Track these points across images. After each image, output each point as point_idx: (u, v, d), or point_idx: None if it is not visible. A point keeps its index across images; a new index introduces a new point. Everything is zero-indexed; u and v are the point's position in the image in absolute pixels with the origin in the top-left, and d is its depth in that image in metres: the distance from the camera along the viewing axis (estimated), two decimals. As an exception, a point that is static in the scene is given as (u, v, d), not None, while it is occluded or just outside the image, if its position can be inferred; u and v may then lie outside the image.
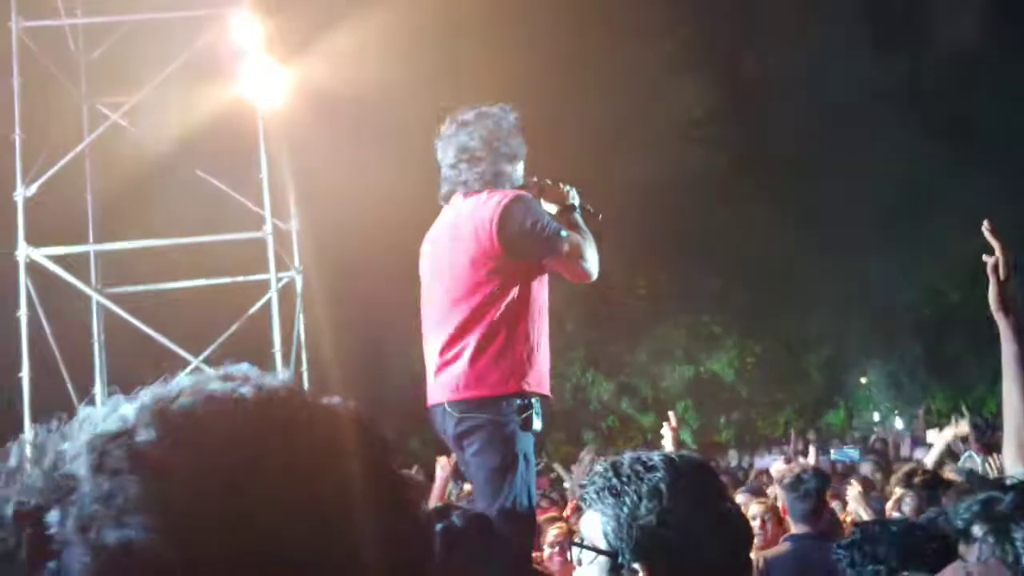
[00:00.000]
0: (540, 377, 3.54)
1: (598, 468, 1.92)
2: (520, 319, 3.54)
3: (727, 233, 19.60)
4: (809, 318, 21.60)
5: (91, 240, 9.63)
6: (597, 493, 1.83)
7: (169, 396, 0.65)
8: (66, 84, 9.45)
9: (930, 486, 4.66)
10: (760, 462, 15.33)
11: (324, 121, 11.82)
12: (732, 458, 17.70)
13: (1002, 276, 2.80)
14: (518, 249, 3.52)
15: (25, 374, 8.33)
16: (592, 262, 3.63)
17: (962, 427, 7.18)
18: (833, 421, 23.91)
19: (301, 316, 9.97)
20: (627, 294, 21.62)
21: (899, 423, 22.52)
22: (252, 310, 9.18)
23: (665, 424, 4.48)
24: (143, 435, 0.61)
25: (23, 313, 8.42)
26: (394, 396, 18.88)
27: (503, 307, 3.52)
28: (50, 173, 8.73)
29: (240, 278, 9.66)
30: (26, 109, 8.62)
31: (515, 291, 3.53)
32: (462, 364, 3.51)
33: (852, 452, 12.42)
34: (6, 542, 0.58)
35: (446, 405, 3.51)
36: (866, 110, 20.32)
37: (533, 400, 3.48)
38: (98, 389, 9.38)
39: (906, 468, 5.32)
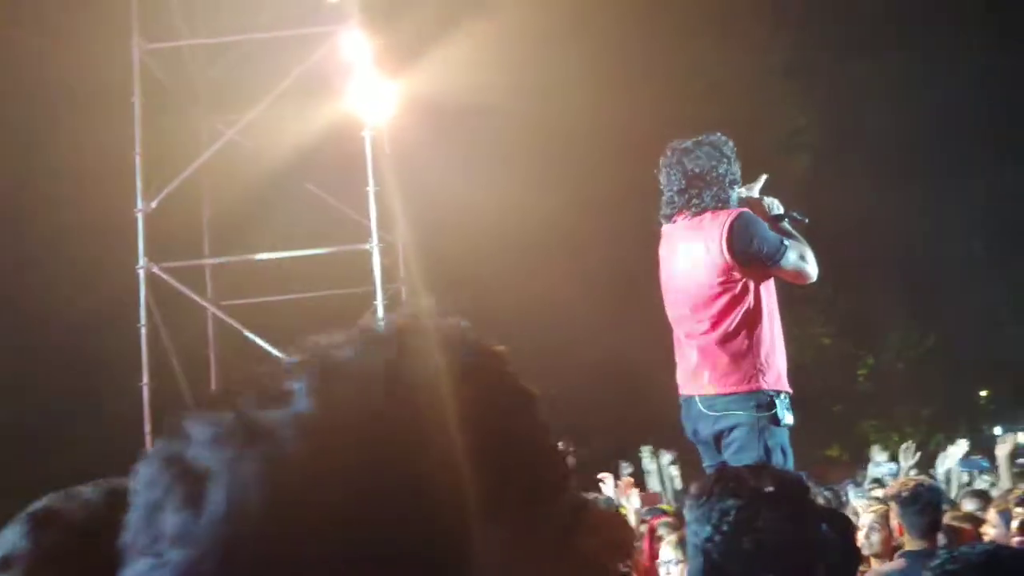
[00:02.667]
0: (779, 375, 3.92)
1: (704, 479, 1.94)
2: (755, 323, 3.92)
3: (837, 241, 19.11)
4: (927, 329, 20.91)
5: (207, 254, 9.92)
6: (688, 504, 1.86)
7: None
8: (184, 102, 9.77)
9: None
10: (875, 470, 14.82)
11: (431, 134, 11.97)
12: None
13: None
14: (747, 262, 3.92)
15: (145, 383, 8.62)
16: (812, 264, 4.01)
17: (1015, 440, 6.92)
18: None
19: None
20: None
21: (1022, 438, 21.58)
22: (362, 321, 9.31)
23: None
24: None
25: (143, 324, 8.72)
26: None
27: (739, 314, 3.92)
28: (169, 189, 9.03)
29: (348, 290, 9.82)
30: (146, 127, 8.94)
31: (748, 299, 3.93)
32: (709, 364, 3.93)
33: (982, 461, 11.62)
34: None
35: (699, 402, 3.93)
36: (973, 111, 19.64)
37: (776, 397, 3.84)
38: (213, 398, 9.64)
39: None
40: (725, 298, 3.94)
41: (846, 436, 22.01)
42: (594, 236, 16.27)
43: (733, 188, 4.06)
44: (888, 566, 4.28)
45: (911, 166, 19.94)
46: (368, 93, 9.12)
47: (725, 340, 3.92)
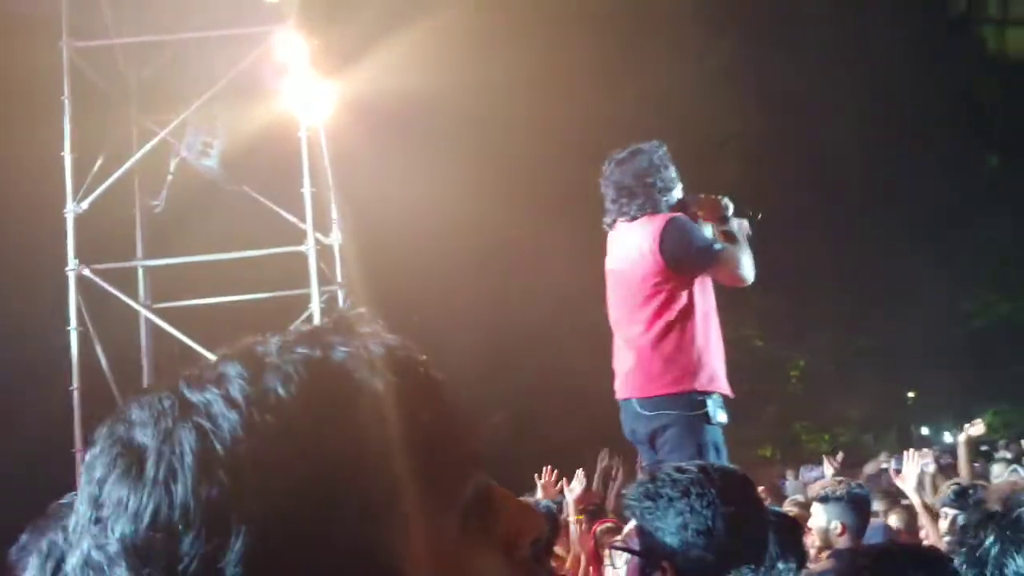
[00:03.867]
0: (712, 376, 4.02)
1: (640, 477, 1.96)
2: (687, 325, 4.02)
3: (766, 244, 19.41)
4: (857, 331, 21.34)
5: (139, 256, 9.77)
6: (636, 500, 1.87)
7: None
8: (116, 102, 9.61)
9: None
10: (807, 474, 15.12)
11: (367, 135, 11.91)
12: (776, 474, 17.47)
13: None
14: (678, 265, 4.02)
15: (76, 387, 8.46)
16: (746, 268, 4.11)
17: (978, 427, 7.10)
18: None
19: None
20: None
21: (948, 438, 22.15)
22: (294, 324, 9.21)
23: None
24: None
25: (73, 328, 8.56)
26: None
27: (670, 316, 4.02)
28: (100, 190, 8.88)
29: (283, 292, 9.75)
30: (76, 127, 8.78)
31: (680, 301, 4.03)
32: (643, 366, 4.04)
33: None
34: None
35: (635, 403, 4.03)
36: (913, 121, 20.12)
37: (709, 397, 3.95)
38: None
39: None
40: (658, 300, 4.05)
41: (779, 437, 22.40)
42: (534, 237, 16.33)
43: (665, 194, 4.19)
44: (819, 566, 4.36)
45: (844, 170, 20.35)
46: (304, 94, 9.06)
47: (658, 342, 4.03)
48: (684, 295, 4.04)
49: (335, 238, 10.22)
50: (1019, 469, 7.40)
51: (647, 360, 4.04)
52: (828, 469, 7.23)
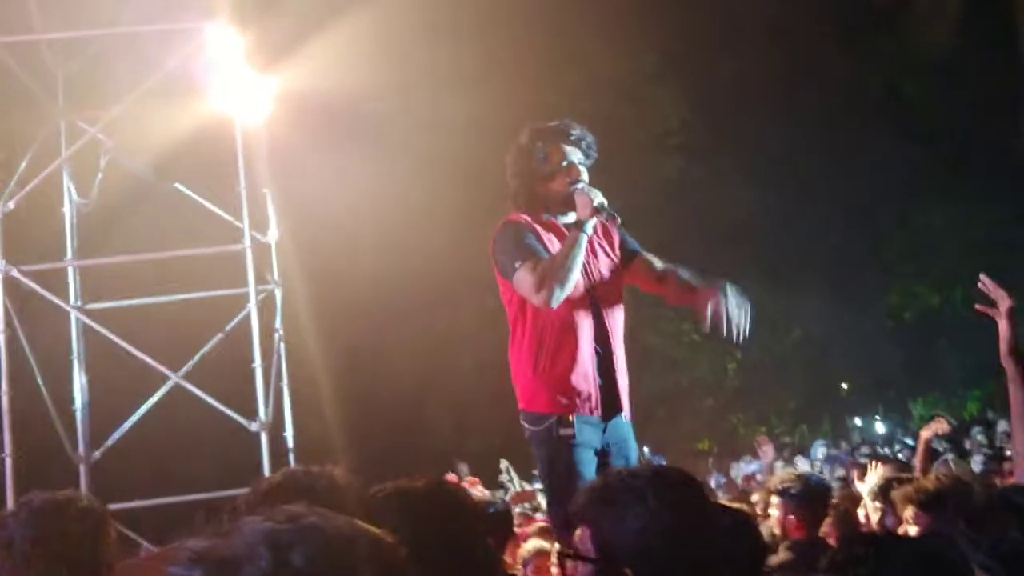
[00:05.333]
0: (563, 395, 3.64)
1: (590, 481, 1.96)
2: (532, 338, 3.71)
3: (700, 238, 19.63)
4: (792, 324, 21.68)
5: (69, 256, 9.56)
6: (588, 504, 1.87)
7: None
8: (43, 99, 9.39)
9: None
10: (746, 468, 15.38)
11: (304, 132, 11.80)
12: (711, 467, 17.72)
13: (1007, 328, 2.90)
14: (501, 274, 3.74)
15: (4, 391, 8.26)
16: (545, 294, 3.55)
17: (941, 424, 7.19)
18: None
19: (281, 330, 9.94)
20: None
21: (880, 428, 22.64)
22: (231, 324, 9.13)
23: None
24: None
25: (1, 330, 8.35)
26: (379, 408, 18.84)
27: (517, 328, 3.76)
28: (27, 189, 8.67)
29: (219, 292, 9.62)
30: (2, 124, 8.57)
31: (525, 312, 3.72)
32: (513, 379, 3.80)
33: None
34: None
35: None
36: (842, 115, 20.50)
37: (550, 418, 3.62)
38: (78, 405, 9.31)
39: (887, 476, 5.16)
40: (509, 311, 3.82)
41: (715, 429, 22.69)
42: (473, 233, 16.31)
43: (524, 183, 3.85)
44: (776, 558, 4.42)
45: (776, 163, 20.66)
46: (239, 90, 8.94)
47: (512, 355, 3.81)
48: (527, 306, 3.72)
49: (272, 236, 10.10)
50: (948, 460, 7.54)
51: (512, 373, 3.84)
52: (767, 455, 7.29)
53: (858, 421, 24.06)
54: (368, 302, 17.40)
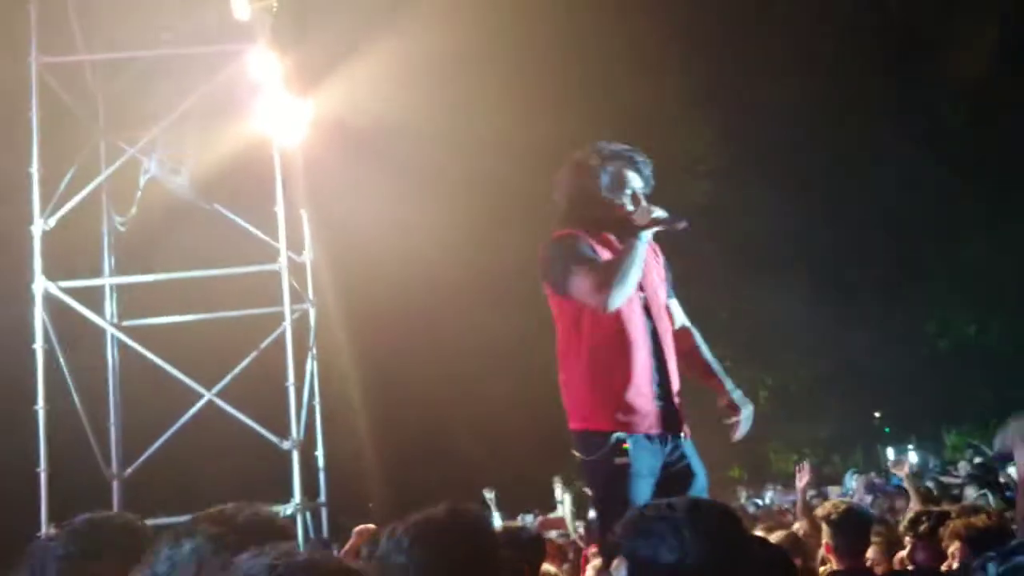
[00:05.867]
0: (621, 412, 3.51)
1: (629, 513, 1.95)
2: (585, 355, 3.57)
3: (730, 263, 19.51)
4: (826, 351, 21.47)
5: (107, 273, 9.69)
6: (624, 534, 1.87)
7: None
8: (84, 119, 9.55)
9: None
10: (783, 498, 15.16)
11: (341, 154, 11.92)
12: (741, 495, 17.51)
13: None
14: (551, 289, 3.64)
15: (40, 406, 8.36)
16: (604, 295, 3.44)
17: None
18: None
19: (314, 349, 10.00)
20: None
21: (913, 458, 22.32)
22: (265, 343, 9.20)
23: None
24: None
25: (39, 346, 8.46)
26: (408, 428, 18.86)
27: (568, 345, 3.62)
28: (68, 207, 8.81)
29: (254, 311, 9.71)
30: (44, 143, 8.71)
31: (576, 328, 3.59)
32: (565, 399, 3.64)
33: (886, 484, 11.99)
34: None
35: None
36: (883, 144, 20.35)
37: (614, 436, 3.46)
38: (112, 422, 9.41)
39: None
40: (559, 327, 3.69)
41: (747, 457, 22.47)
42: (507, 257, 16.35)
43: (576, 204, 3.75)
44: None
45: (814, 192, 20.53)
46: (277, 113, 9.06)
47: (562, 373, 3.67)
48: (578, 322, 3.61)
49: (307, 256, 10.19)
50: (988, 495, 7.42)
51: (563, 392, 3.69)
52: (801, 482, 7.23)
53: (891, 451, 23.76)
54: (400, 322, 17.47)
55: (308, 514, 8.97)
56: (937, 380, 22.02)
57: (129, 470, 9.19)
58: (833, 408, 22.62)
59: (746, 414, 3.81)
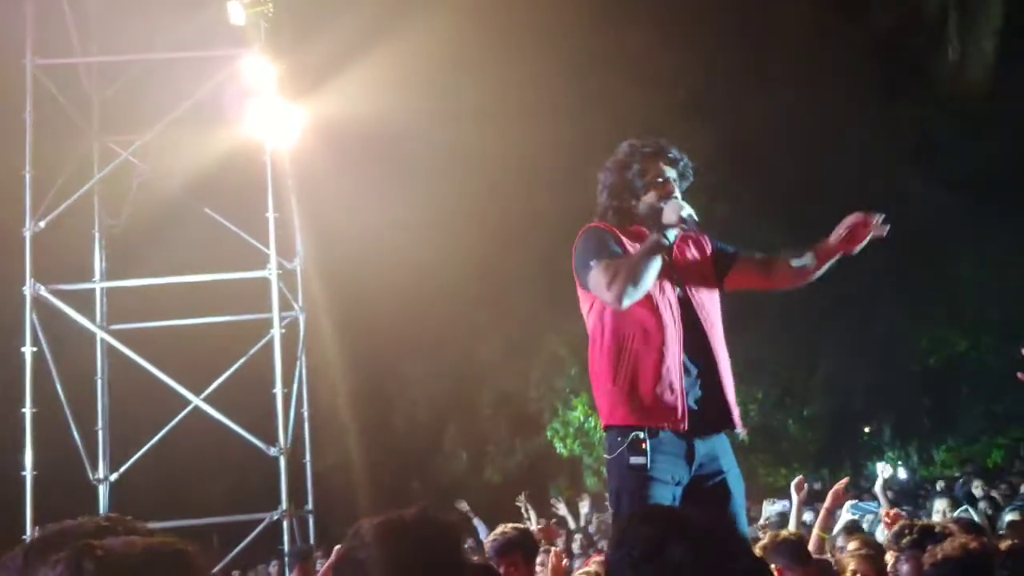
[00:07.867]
0: (643, 407, 3.40)
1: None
2: (611, 349, 3.50)
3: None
4: (812, 367, 21.51)
5: (97, 277, 9.65)
6: (615, 564, 1.88)
7: None
8: (78, 121, 9.53)
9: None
10: (770, 508, 15.11)
11: (333, 159, 11.90)
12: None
13: None
14: (580, 281, 3.57)
15: (28, 409, 8.32)
16: (616, 291, 3.37)
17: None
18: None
19: (303, 356, 9.97)
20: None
21: (902, 474, 22.35)
22: (254, 350, 9.18)
23: None
24: None
25: (28, 348, 8.43)
26: (396, 436, 18.83)
27: (596, 339, 3.54)
28: (59, 210, 8.78)
29: (244, 317, 9.67)
30: (38, 145, 8.69)
31: (602, 322, 3.52)
32: (594, 394, 3.60)
33: (871, 505, 11.61)
34: None
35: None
36: (873, 159, 20.42)
37: (633, 433, 3.35)
38: (100, 425, 9.37)
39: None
40: (588, 321, 3.62)
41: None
42: (499, 265, 16.34)
43: (616, 198, 3.71)
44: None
45: (805, 206, 20.57)
46: (270, 118, 9.05)
47: (591, 367, 3.60)
48: (603, 315, 3.55)
49: (298, 263, 10.17)
50: (970, 510, 7.41)
51: (593, 388, 3.64)
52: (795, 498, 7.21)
53: (879, 466, 23.75)
54: (391, 329, 17.43)
55: (295, 521, 8.94)
56: (927, 396, 22.08)
57: (115, 475, 9.15)
58: (822, 423, 22.64)
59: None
